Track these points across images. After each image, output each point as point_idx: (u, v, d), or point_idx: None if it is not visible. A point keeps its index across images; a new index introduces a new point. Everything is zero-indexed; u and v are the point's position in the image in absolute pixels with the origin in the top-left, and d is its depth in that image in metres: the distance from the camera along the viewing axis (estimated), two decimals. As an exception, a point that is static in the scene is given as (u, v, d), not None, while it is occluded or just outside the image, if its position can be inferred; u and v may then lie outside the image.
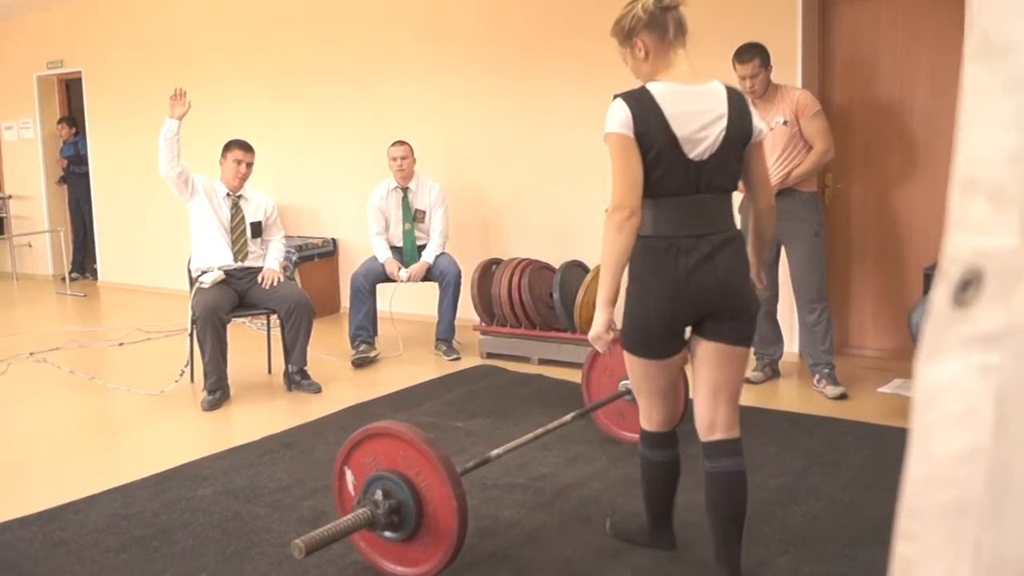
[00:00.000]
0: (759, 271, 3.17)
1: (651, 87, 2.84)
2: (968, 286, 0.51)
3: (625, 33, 2.92)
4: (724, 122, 2.84)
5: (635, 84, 2.94)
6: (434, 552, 3.01)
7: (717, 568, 3.00)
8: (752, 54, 5.27)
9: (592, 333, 2.90)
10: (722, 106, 2.86)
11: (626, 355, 2.99)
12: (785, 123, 5.36)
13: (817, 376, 5.44)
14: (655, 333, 2.88)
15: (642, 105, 2.79)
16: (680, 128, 2.78)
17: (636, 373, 3.00)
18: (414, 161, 6.61)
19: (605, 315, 2.86)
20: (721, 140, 2.83)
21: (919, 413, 0.53)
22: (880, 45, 5.99)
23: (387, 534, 3.05)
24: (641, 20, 2.86)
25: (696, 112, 2.82)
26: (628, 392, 4.29)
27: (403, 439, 3.02)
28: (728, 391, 3.00)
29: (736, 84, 5.31)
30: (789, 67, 5.94)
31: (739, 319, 2.89)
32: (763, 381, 5.66)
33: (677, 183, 2.81)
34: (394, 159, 6.53)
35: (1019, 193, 0.52)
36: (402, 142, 6.59)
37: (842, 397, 5.32)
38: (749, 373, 5.66)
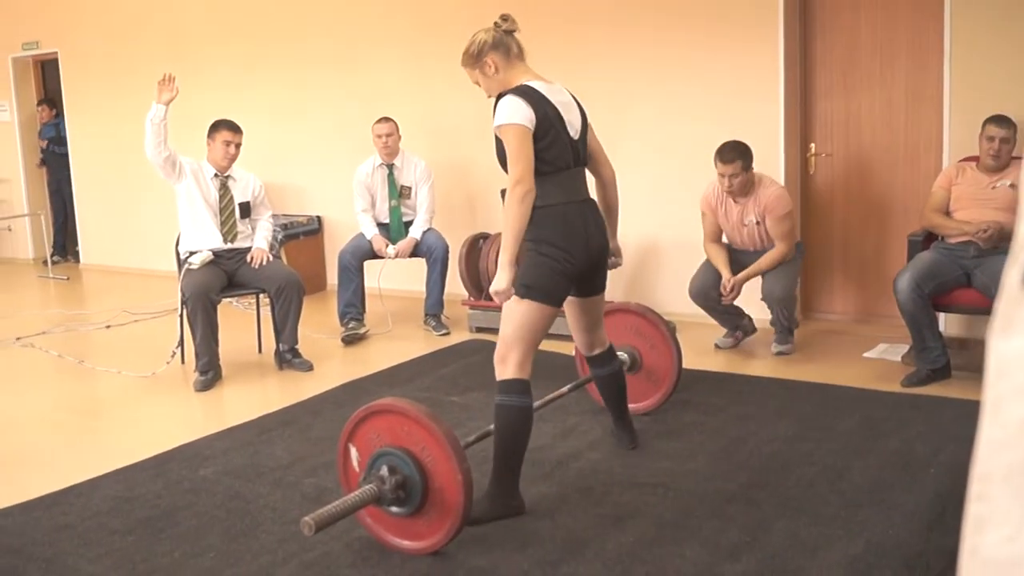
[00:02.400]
0: (617, 247, 3.87)
1: (532, 84, 3.40)
2: (1036, 270, 0.55)
3: (475, 56, 3.49)
4: (578, 109, 3.54)
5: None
6: (440, 526, 3.05)
7: (619, 430, 4.03)
8: (734, 155, 5.31)
9: (501, 288, 3.34)
10: (570, 97, 3.54)
11: (528, 306, 3.36)
12: (758, 223, 5.43)
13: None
14: (568, 279, 3.43)
15: (535, 98, 3.35)
16: (564, 113, 3.43)
17: (534, 322, 3.38)
18: (399, 138, 6.60)
19: (510, 273, 3.33)
20: (581, 122, 3.52)
21: (992, 384, 0.57)
22: (861, 14, 6.02)
23: (393, 509, 3.10)
24: (487, 43, 3.47)
25: (564, 102, 3.46)
26: (623, 363, 4.34)
27: (407, 415, 3.05)
28: (600, 321, 3.85)
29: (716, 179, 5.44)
30: (771, 28, 5.97)
31: (604, 270, 3.69)
32: (732, 347, 5.75)
33: (566, 158, 3.43)
34: (379, 136, 6.52)
35: None
36: (387, 119, 6.58)
37: (780, 354, 5.54)
38: (718, 339, 5.74)
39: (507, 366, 3.38)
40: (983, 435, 0.58)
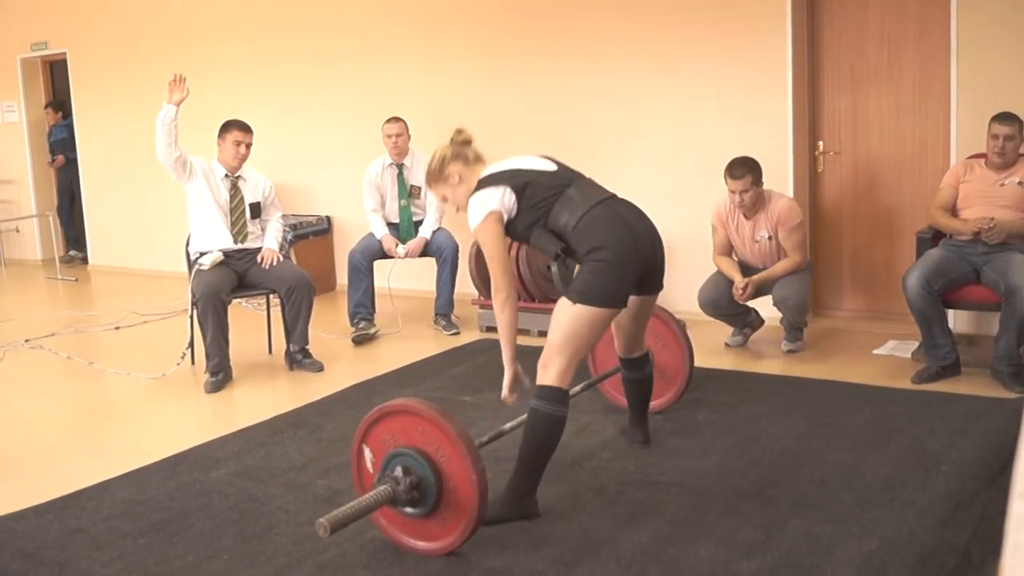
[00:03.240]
0: None
1: (487, 169, 3.53)
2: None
3: (438, 171, 3.60)
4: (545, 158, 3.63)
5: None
6: (454, 526, 3.05)
7: (633, 429, 4.06)
8: (744, 171, 5.35)
9: (505, 389, 3.58)
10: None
11: (580, 311, 3.31)
12: (770, 238, 5.46)
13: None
14: (626, 278, 3.37)
15: (493, 174, 3.47)
16: (525, 164, 3.54)
17: (585, 328, 3.33)
18: (409, 137, 6.60)
19: (511, 370, 3.57)
20: (545, 156, 3.63)
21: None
22: (868, 12, 6.02)
23: (408, 510, 3.10)
24: (447, 156, 3.58)
25: (521, 158, 3.59)
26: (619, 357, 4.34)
27: (421, 416, 3.05)
28: (646, 325, 3.90)
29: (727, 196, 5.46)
30: (779, 21, 5.96)
31: (660, 269, 3.62)
32: (741, 345, 5.78)
33: (562, 179, 3.49)
34: (389, 136, 6.52)
35: None
36: (397, 119, 6.58)
37: (791, 352, 5.58)
38: (727, 338, 5.76)
39: (548, 372, 3.33)
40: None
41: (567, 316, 3.33)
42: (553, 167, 3.56)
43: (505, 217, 3.45)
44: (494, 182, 3.46)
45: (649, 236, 3.51)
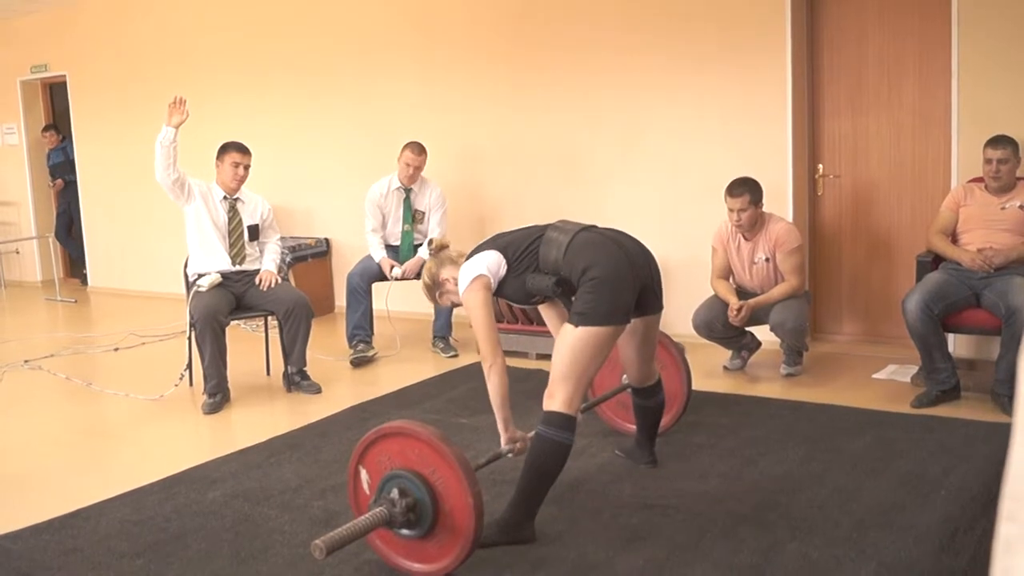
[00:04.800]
0: None
1: (475, 261, 3.57)
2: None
3: (434, 286, 3.78)
4: None
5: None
6: (450, 549, 3.04)
7: (640, 451, 4.07)
8: (743, 190, 5.36)
9: (507, 446, 3.58)
10: None
11: (584, 334, 3.29)
12: (767, 260, 5.46)
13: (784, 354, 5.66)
14: (625, 291, 3.36)
15: (479, 246, 3.62)
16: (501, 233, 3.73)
17: (589, 350, 3.30)
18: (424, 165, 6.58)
19: (506, 433, 3.58)
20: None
21: (1022, 404, 0.57)
22: (868, 38, 6.04)
23: (404, 532, 3.09)
24: (433, 268, 3.75)
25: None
26: (630, 385, 4.33)
27: (418, 438, 3.05)
28: (656, 350, 3.94)
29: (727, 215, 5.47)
30: (778, 51, 5.99)
31: (657, 284, 3.64)
32: (739, 368, 5.77)
33: (538, 228, 3.62)
34: (408, 164, 6.45)
35: None
36: (421, 150, 6.49)
37: (790, 375, 5.57)
38: (725, 361, 5.75)
39: (554, 399, 3.33)
40: (1015, 455, 0.58)
41: (569, 341, 3.32)
42: (527, 227, 3.70)
43: (494, 282, 3.52)
44: (477, 251, 3.60)
45: (639, 250, 3.56)
